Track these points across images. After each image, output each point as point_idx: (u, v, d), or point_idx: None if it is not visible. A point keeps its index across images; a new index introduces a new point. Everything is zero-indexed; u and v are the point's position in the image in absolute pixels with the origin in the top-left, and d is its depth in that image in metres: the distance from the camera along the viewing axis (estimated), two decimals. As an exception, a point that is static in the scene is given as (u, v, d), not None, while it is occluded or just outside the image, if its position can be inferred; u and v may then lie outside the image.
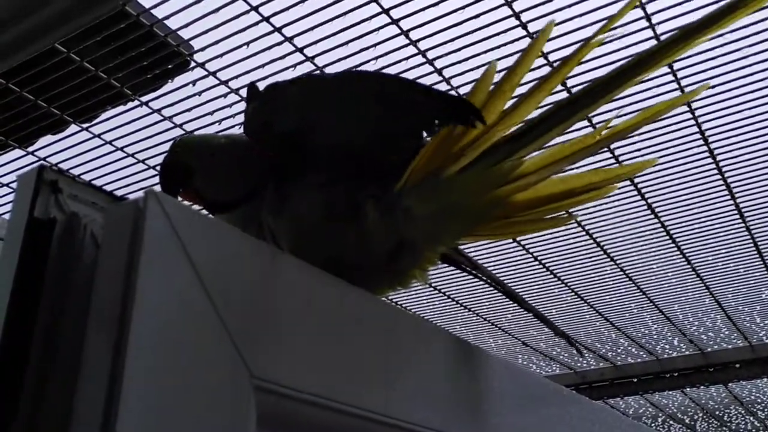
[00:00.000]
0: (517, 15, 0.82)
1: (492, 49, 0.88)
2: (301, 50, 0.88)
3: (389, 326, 0.44)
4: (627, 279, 1.56)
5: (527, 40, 0.87)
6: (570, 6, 0.83)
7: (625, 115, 0.44)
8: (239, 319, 0.32)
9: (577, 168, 0.47)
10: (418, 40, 0.87)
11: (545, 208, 0.46)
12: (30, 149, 1.08)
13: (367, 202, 0.44)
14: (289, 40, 0.86)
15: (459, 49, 0.88)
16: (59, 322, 0.30)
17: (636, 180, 1.18)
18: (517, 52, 0.88)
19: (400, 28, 0.85)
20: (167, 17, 0.84)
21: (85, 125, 1.03)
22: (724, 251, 1.46)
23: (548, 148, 0.44)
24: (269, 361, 0.33)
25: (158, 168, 1.11)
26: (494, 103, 0.43)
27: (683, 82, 0.96)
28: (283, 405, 0.34)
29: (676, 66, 0.93)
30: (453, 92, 0.95)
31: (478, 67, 0.91)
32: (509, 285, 1.55)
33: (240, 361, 0.32)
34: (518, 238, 1.36)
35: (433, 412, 0.44)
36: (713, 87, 0.96)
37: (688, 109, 1.00)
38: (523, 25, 0.84)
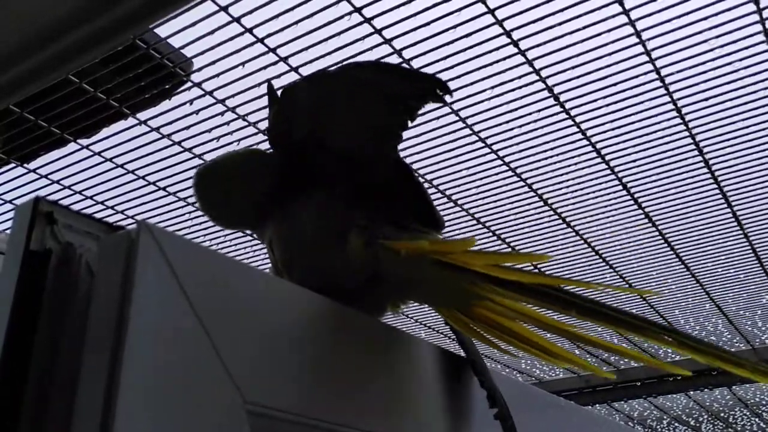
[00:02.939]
0: (492, 11, 0.82)
1: (469, 48, 0.88)
2: (295, 69, 0.89)
3: (383, 346, 0.44)
4: (626, 286, 1.57)
5: (505, 39, 0.87)
6: (554, 14, 0.83)
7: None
8: (231, 345, 0.32)
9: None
10: (412, 59, 0.88)
11: (498, 334, 0.46)
12: (31, 166, 1.09)
13: (353, 229, 0.45)
14: (284, 60, 0.88)
15: (444, 59, 0.89)
16: (55, 352, 0.30)
17: (632, 189, 1.19)
18: (494, 50, 0.88)
19: (393, 47, 0.86)
20: (165, 38, 0.85)
21: (85, 143, 1.04)
22: (723, 257, 1.47)
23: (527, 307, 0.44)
24: (262, 386, 0.33)
25: (158, 184, 1.13)
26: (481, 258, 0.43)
27: (676, 95, 0.96)
28: (278, 429, 0.34)
29: (664, 73, 0.94)
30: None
31: (455, 66, 0.92)
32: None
33: (233, 386, 0.32)
34: (516, 248, 1.37)
35: (428, 430, 0.44)
36: (707, 99, 0.97)
37: (681, 121, 1.00)
38: (499, 23, 0.84)
